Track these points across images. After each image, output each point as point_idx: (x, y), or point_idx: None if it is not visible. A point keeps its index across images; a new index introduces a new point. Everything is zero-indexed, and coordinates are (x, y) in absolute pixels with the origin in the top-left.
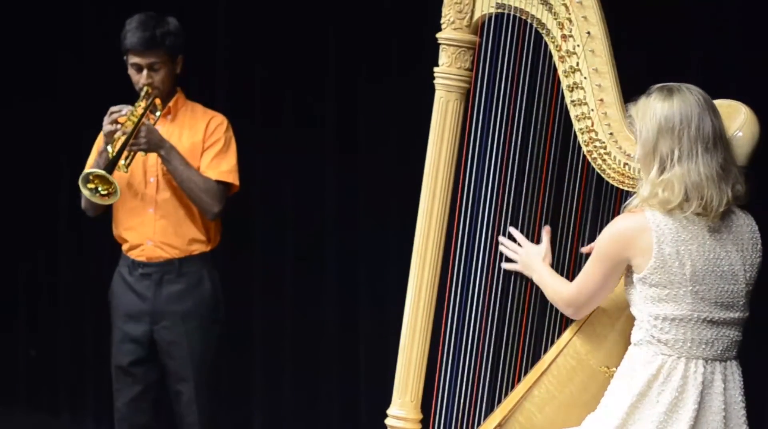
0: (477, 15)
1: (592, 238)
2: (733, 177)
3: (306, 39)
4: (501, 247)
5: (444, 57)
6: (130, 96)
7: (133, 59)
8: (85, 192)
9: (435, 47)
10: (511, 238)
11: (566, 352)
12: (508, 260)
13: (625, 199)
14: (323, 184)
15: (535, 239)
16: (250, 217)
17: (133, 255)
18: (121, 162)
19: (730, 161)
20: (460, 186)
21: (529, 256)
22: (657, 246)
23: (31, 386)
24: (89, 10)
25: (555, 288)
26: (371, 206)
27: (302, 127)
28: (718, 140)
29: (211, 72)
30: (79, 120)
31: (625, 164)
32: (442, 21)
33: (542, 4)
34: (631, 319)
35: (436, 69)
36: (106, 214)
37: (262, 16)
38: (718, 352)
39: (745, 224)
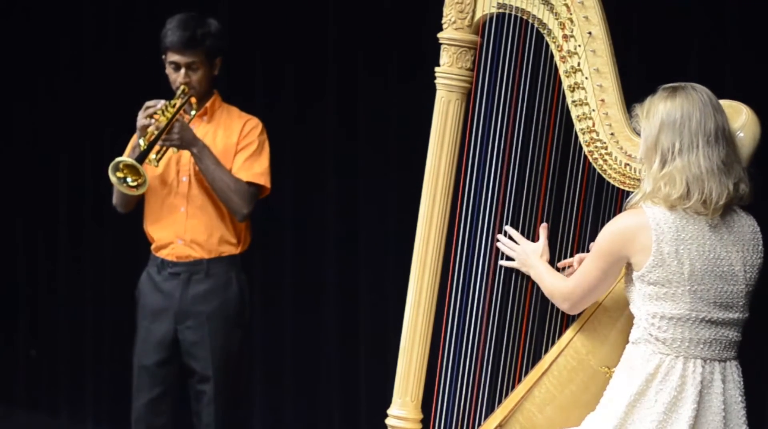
0: (478, 15)
1: (592, 239)
2: (737, 174)
3: (305, 39)
4: (499, 245)
5: (445, 57)
6: (132, 95)
7: (172, 58)
8: (113, 179)
9: (436, 47)
10: (509, 236)
11: (567, 352)
12: (507, 258)
13: (626, 199)
14: (323, 183)
15: (536, 238)
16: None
17: (163, 254)
18: (152, 156)
19: (734, 158)
20: (461, 186)
21: (526, 254)
22: (656, 244)
23: (31, 386)
24: (89, 10)
25: (552, 283)
26: (371, 206)
27: (302, 127)
28: (720, 136)
29: None
30: (79, 120)
31: (626, 164)
32: (443, 21)
33: (543, 4)
34: (632, 320)
35: (437, 69)
36: (136, 211)
37: (261, 15)
38: (717, 352)
39: (747, 225)
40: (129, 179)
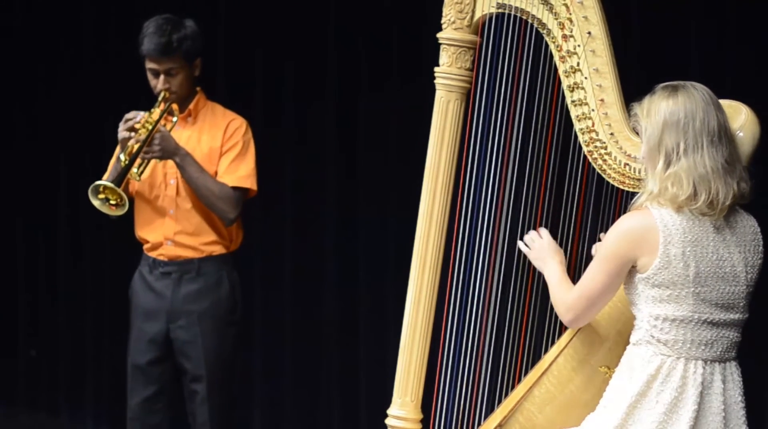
0: (478, 15)
1: (592, 239)
2: (739, 173)
3: (305, 39)
4: (522, 242)
5: (444, 57)
6: (130, 95)
7: (150, 65)
8: (95, 202)
9: (435, 47)
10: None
11: (567, 352)
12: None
13: (626, 200)
14: (323, 183)
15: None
16: (250, 217)
17: (154, 254)
18: (134, 170)
19: (736, 157)
20: (461, 186)
21: (545, 249)
22: (663, 246)
23: (31, 386)
24: (89, 9)
25: (559, 291)
26: (371, 206)
27: (302, 127)
28: (723, 135)
29: (211, 72)
30: (79, 120)
31: (626, 164)
32: (442, 21)
33: (543, 4)
34: (632, 321)
35: (436, 69)
36: (127, 215)
37: (261, 14)
38: (718, 353)
39: (748, 226)
40: (110, 199)
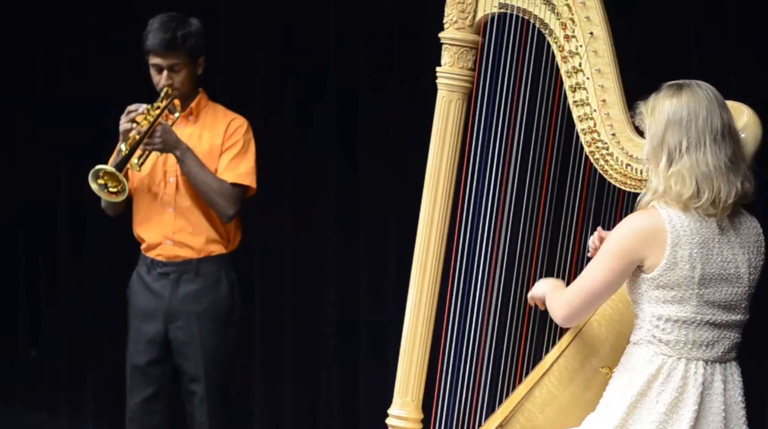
0: (480, 15)
1: None
2: (743, 172)
3: (306, 39)
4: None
5: (446, 57)
6: (131, 96)
7: (154, 60)
8: (93, 187)
9: (437, 47)
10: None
11: (568, 352)
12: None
13: (627, 202)
14: (323, 184)
15: (536, 241)
16: (250, 217)
17: (152, 255)
18: (134, 160)
19: (740, 156)
20: (462, 186)
21: (542, 284)
22: (670, 247)
23: (31, 386)
24: (89, 9)
25: (553, 294)
26: (371, 206)
27: (302, 127)
28: (727, 133)
29: (211, 72)
30: (78, 119)
31: (627, 165)
32: (444, 20)
33: (545, 4)
34: (633, 321)
35: (438, 69)
36: (125, 213)
37: (262, 15)
38: (719, 354)
39: (751, 226)
40: (109, 186)
